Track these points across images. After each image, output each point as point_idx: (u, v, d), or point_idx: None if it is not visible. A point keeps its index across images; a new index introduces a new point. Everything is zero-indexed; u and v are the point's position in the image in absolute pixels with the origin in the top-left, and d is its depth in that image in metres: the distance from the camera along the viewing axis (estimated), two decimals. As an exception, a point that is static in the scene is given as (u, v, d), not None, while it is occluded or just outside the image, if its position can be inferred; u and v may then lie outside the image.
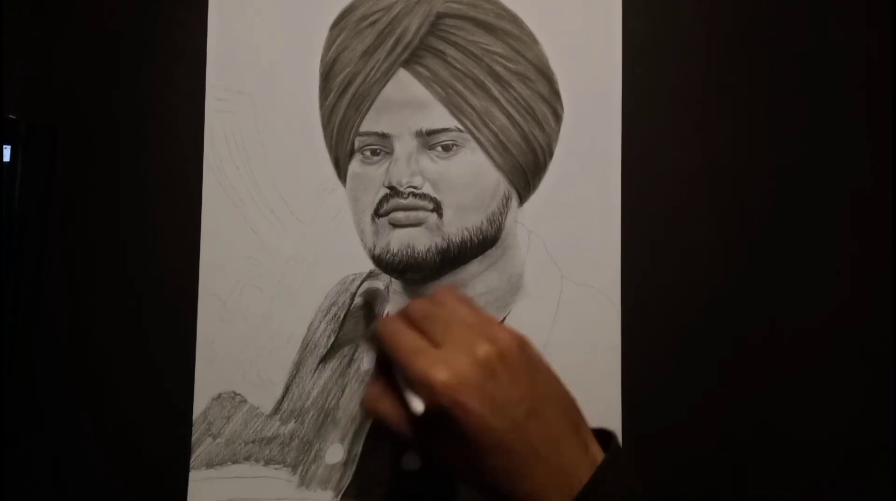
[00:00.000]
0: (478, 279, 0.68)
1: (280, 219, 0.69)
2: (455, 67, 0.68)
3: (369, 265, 0.69)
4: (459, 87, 0.68)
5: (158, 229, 0.69)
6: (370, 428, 0.68)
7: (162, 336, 0.68)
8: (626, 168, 0.68)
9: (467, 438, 0.48)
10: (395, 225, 0.68)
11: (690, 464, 0.67)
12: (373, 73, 0.68)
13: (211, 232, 0.69)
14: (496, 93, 0.68)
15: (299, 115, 0.69)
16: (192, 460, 0.67)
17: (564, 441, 0.50)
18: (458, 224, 0.67)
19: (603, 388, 0.67)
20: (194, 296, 0.68)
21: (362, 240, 0.69)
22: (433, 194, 0.67)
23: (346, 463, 0.67)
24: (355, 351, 0.69)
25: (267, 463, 0.67)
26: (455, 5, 0.68)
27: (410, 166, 0.67)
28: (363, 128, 0.68)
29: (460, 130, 0.67)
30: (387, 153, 0.68)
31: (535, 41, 0.69)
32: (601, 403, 0.67)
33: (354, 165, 0.69)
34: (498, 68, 0.68)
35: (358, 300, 0.69)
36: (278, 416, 0.68)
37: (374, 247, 0.68)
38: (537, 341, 0.67)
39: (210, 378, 0.68)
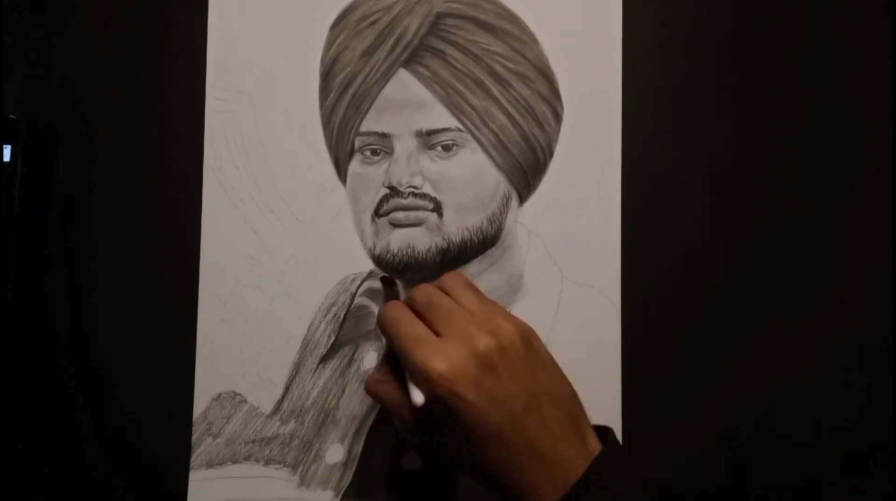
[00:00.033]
0: (478, 279, 0.68)
1: (280, 219, 0.69)
2: (455, 67, 0.68)
3: (369, 265, 0.69)
4: (459, 87, 0.68)
5: (158, 230, 0.69)
6: (370, 428, 0.68)
7: (162, 336, 0.68)
8: (626, 168, 0.68)
9: (464, 429, 0.48)
10: (395, 225, 0.68)
11: (690, 464, 0.67)
12: (373, 73, 0.68)
13: (211, 232, 0.69)
14: (496, 93, 0.68)
15: (299, 115, 0.69)
16: (192, 460, 0.67)
17: (562, 436, 0.50)
18: (458, 224, 0.67)
19: (603, 388, 0.67)
20: (194, 296, 0.68)
21: (362, 240, 0.69)
22: (433, 194, 0.67)
23: (346, 463, 0.67)
24: (355, 351, 0.69)
25: (267, 463, 0.67)
26: (455, 5, 0.68)
27: (410, 166, 0.67)
28: (363, 128, 0.68)
29: (460, 130, 0.67)
30: (387, 153, 0.68)
31: (535, 41, 0.69)
32: (601, 403, 0.67)
33: (354, 165, 0.69)
34: (498, 68, 0.68)
35: (359, 300, 0.69)
36: (278, 416, 0.68)
37: (374, 247, 0.68)
38: (537, 341, 0.68)
39: (210, 378, 0.68)
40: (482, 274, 0.69)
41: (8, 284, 0.67)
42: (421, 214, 0.67)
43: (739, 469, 0.67)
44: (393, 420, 0.54)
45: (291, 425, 0.68)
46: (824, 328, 0.68)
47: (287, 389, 0.68)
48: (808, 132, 0.69)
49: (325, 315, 0.69)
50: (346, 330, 0.69)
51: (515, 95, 0.68)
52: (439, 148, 0.67)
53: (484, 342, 0.49)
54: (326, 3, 0.70)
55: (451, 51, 0.68)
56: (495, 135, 0.68)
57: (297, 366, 0.68)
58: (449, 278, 0.57)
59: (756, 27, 0.69)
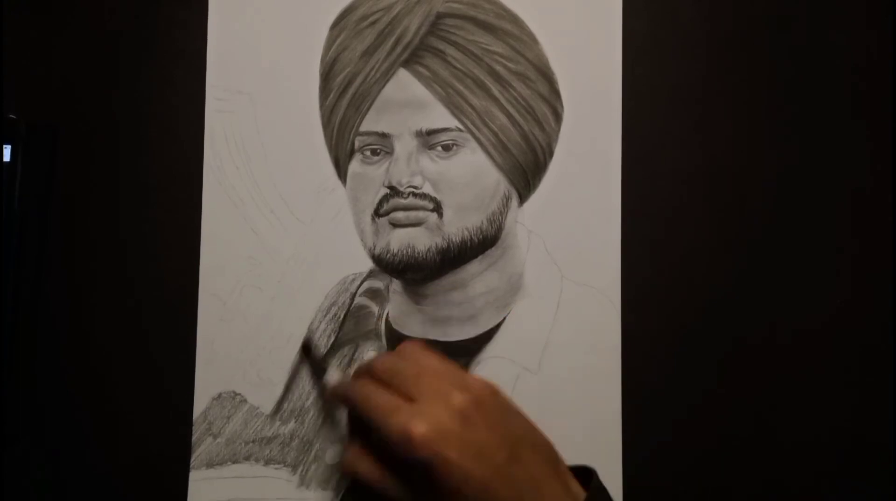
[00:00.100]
0: (478, 279, 0.68)
1: (280, 219, 0.69)
2: (455, 67, 0.68)
3: (369, 265, 0.69)
4: (459, 86, 0.68)
5: (158, 230, 0.69)
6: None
7: (162, 336, 0.68)
8: (626, 168, 0.68)
9: (450, 489, 0.47)
10: (395, 225, 0.68)
11: (690, 464, 0.67)
12: (373, 73, 0.68)
13: (211, 232, 0.69)
14: (496, 93, 0.68)
15: (299, 115, 0.69)
16: (192, 460, 0.67)
17: (546, 483, 0.50)
18: (459, 224, 0.67)
19: (603, 388, 0.67)
20: (194, 296, 0.68)
21: (362, 240, 0.69)
22: (433, 194, 0.67)
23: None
24: (355, 351, 0.69)
25: (267, 463, 0.67)
26: (455, 5, 0.68)
27: (410, 166, 0.67)
28: (363, 128, 0.68)
29: (460, 130, 0.67)
30: (387, 153, 0.68)
31: (535, 41, 0.69)
32: (601, 403, 0.67)
33: (354, 165, 0.69)
34: (498, 68, 0.68)
35: (359, 300, 0.69)
36: (278, 416, 0.68)
37: (374, 247, 0.68)
38: (537, 341, 0.68)
39: (210, 378, 0.68)
40: (482, 274, 0.69)
41: (8, 284, 0.67)
42: (421, 214, 0.67)
43: (739, 468, 0.67)
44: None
45: (291, 425, 0.68)
46: (824, 328, 0.67)
47: (287, 389, 0.68)
48: (808, 132, 0.69)
49: (325, 315, 0.69)
50: (346, 330, 0.69)
51: (515, 95, 0.68)
52: (439, 148, 0.67)
53: (458, 397, 0.49)
54: (326, 3, 0.70)
55: (451, 51, 0.68)
56: (495, 135, 0.68)
57: (297, 366, 0.68)
58: (407, 346, 0.57)
59: (756, 27, 0.69)
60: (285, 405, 0.68)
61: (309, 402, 0.68)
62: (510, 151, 0.68)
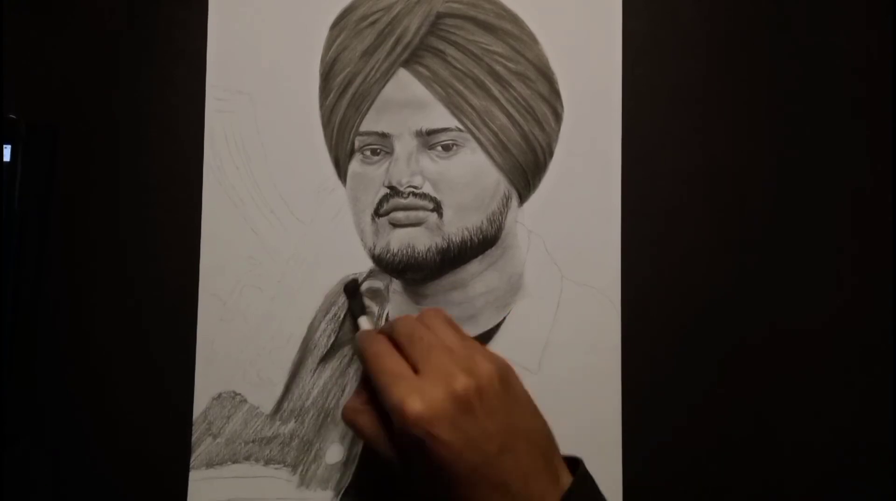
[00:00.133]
0: (478, 279, 0.68)
1: (280, 219, 0.69)
2: (455, 67, 0.68)
3: (369, 265, 0.69)
4: (459, 86, 0.68)
5: (158, 230, 0.69)
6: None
7: (162, 336, 0.68)
8: (626, 168, 0.68)
9: (439, 468, 0.48)
10: (395, 225, 0.68)
11: (690, 464, 0.67)
12: (373, 72, 0.68)
13: (211, 232, 0.69)
14: (496, 93, 0.68)
15: (299, 115, 0.69)
16: (192, 460, 0.67)
17: (535, 475, 0.50)
18: (459, 224, 0.67)
19: (603, 388, 0.67)
20: (194, 296, 0.68)
21: (362, 240, 0.69)
22: (433, 194, 0.67)
23: (346, 463, 0.67)
24: (355, 351, 0.69)
25: (267, 463, 0.67)
26: (455, 5, 0.68)
27: (410, 166, 0.67)
28: (363, 128, 0.68)
29: (460, 130, 0.67)
30: (387, 153, 0.68)
31: (535, 41, 0.69)
32: (601, 403, 0.67)
33: (354, 165, 0.69)
34: (498, 68, 0.68)
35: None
36: (278, 416, 0.68)
37: (374, 247, 0.68)
38: (537, 341, 0.68)
39: (210, 378, 0.68)
40: (482, 274, 0.69)
41: (8, 284, 0.67)
42: (421, 213, 0.67)
43: (739, 469, 0.67)
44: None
45: (291, 425, 0.68)
46: (824, 328, 0.67)
47: (287, 389, 0.68)
48: (808, 132, 0.69)
49: (325, 315, 0.69)
50: (346, 330, 0.69)
51: (515, 95, 0.68)
52: (439, 148, 0.67)
53: (462, 382, 0.49)
54: (326, 3, 0.70)
55: (451, 51, 0.68)
56: (495, 135, 0.68)
57: (297, 366, 0.68)
58: (430, 313, 0.57)
59: (756, 27, 0.69)
60: (285, 405, 0.68)
61: (309, 402, 0.68)
62: (510, 151, 0.68)
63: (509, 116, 0.68)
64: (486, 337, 0.68)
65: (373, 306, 0.69)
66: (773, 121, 0.69)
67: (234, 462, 0.68)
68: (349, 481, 0.67)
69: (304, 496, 0.67)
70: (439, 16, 0.68)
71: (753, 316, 0.68)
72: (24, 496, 0.68)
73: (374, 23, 0.69)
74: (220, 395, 0.68)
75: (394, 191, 0.67)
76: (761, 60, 0.69)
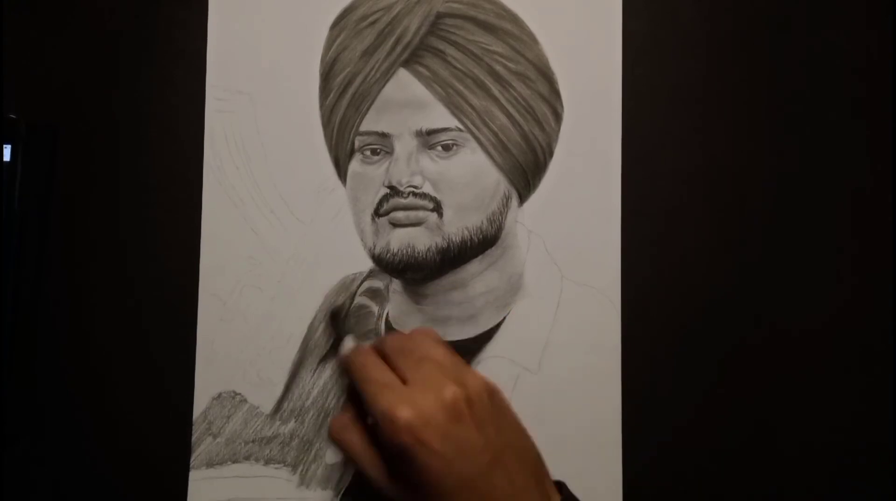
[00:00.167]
0: (478, 279, 0.68)
1: (280, 219, 0.69)
2: (455, 67, 0.68)
3: (369, 265, 0.69)
4: (459, 86, 0.68)
5: (158, 229, 0.69)
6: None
7: (162, 336, 0.68)
8: (626, 168, 0.68)
9: (428, 480, 0.47)
10: (395, 225, 0.68)
11: (690, 464, 0.67)
12: (373, 72, 0.68)
13: (211, 232, 0.69)
14: (496, 92, 0.68)
15: (299, 115, 0.69)
16: (192, 459, 0.67)
17: (525, 493, 0.49)
18: (459, 224, 0.67)
19: (603, 388, 0.67)
20: (194, 296, 0.68)
21: (362, 240, 0.69)
22: (433, 194, 0.67)
23: (346, 463, 0.67)
24: (355, 351, 0.69)
25: (267, 463, 0.68)
26: (455, 5, 0.68)
27: (410, 166, 0.67)
28: (363, 128, 0.68)
29: (460, 130, 0.67)
30: (387, 153, 0.68)
31: (535, 41, 0.69)
32: (601, 403, 0.67)
33: (354, 165, 0.69)
34: (498, 68, 0.68)
35: (359, 300, 0.69)
36: (278, 416, 0.68)
37: (374, 247, 0.68)
38: (537, 341, 0.68)
39: (210, 378, 0.68)
40: (482, 274, 0.69)
41: (8, 284, 0.67)
42: (421, 213, 0.67)
43: (739, 469, 0.67)
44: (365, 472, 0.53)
45: (291, 424, 0.68)
46: (824, 328, 0.67)
47: (287, 389, 0.68)
48: (808, 132, 0.69)
49: (326, 315, 0.69)
50: (346, 330, 0.69)
51: (515, 95, 0.68)
52: (439, 148, 0.67)
53: (451, 390, 0.48)
54: (326, 3, 0.70)
55: (451, 51, 0.68)
56: (495, 135, 0.68)
57: (297, 366, 0.68)
58: (420, 331, 0.57)
59: (756, 27, 0.69)
60: (285, 405, 0.68)
61: (309, 402, 0.68)
62: (510, 151, 0.68)
63: (509, 116, 0.68)
64: (486, 337, 0.68)
65: (373, 306, 0.69)
66: (773, 121, 0.69)
67: (234, 462, 0.68)
68: (349, 481, 0.67)
69: (304, 496, 0.67)
70: (439, 16, 0.68)
71: (753, 316, 0.68)
72: (24, 496, 0.68)
73: (374, 23, 0.69)
74: (220, 395, 0.68)
75: (394, 191, 0.67)
76: (761, 60, 0.69)
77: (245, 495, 0.67)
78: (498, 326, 0.68)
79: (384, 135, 0.68)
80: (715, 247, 0.68)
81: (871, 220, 0.68)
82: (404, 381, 0.51)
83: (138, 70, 0.70)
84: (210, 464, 0.67)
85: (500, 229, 0.69)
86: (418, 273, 0.68)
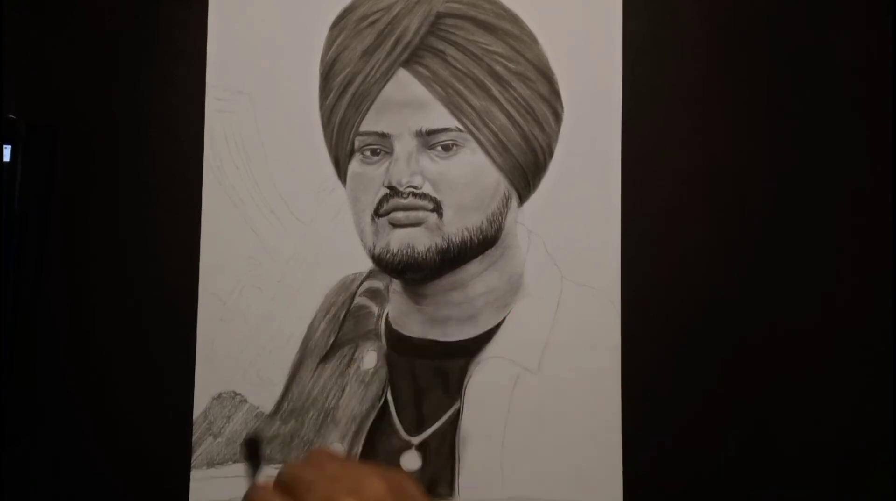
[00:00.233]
0: (478, 279, 0.68)
1: (280, 219, 0.69)
2: (455, 67, 0.68)
3: (369, 265, 0.69)
4: (459, 87, 0.68)
5: (158, 229, 0.69)
6: (370, 428, 0.68)
7: (162, 336, 0.68)
8: (626, 168, 0.68)
9: None
10: (395, 225, 0.68)
11: (690, 463, 0.67)
12: (373, 72, 0.68)
13: (211, 232, 0.69)
14: (496, 93, 0.68)
15: (299, 115, 0.69)
16: (192, 459, 0.67)
17: None
18: (459, 224, 0.67)
19: (603, 388, 0.67)
20: (194, 296, 0.68)
21: (362, 240, 0.69)
22: (433, 194, 0.67)
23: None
24: (355, 351, 0.69)
25: (267, 463, 0.67)
26: (455, 5, 0.68)
27: (410, 166, 0.67)
28: (363, 128, 0.68)
29: (460, 130, 0.67)
30: (387, 153, 0.68)
31: (535, 41, 0.69)
32: (601, 403, 0.67)
33: (354, 165, 0.69)
34: (498, 68, 0.68)
35: (359, 300, 0.69)
36: (278, 416, 0.68)
37: (374, 247, 0.68)
38: (537, 341, 0.68)
39: (210, 378, 0.68)
40: (482, 274, 0.69)
41: (8, 284, 0.67)
42: (421, 214, 0.67)
43: (739, 468, 0.67)
44: None
45: (291, 424, 0.68)
46: (824, 328, 0.67)
47: (287, 389, 0.68)
48: (808, 132, 0.69)
49: (325, 315, 0.69)
50: (345, 330, 0.69)
51: (515, 95, 0.68)
52: (439, 148, 0.67)
53: None
54: (326, 3, 0.70)
55: (451, 51, 0.68)
56: (495, 135, 0.68)
57: (297, 366, 0.68)
58: (315, 453, 0.56)
59: (756, 27, 0.69)
60: (285, 405, 0.68)
61: (309, 402, 0.68)
62: (510, 152, 0.68)
63: (509, 116, 0.68)
64: (486, 337, 0.68)
65: (373, 307, 0.69)
66: (773, 121, 0.69)
67: (234, 462, 0.68)
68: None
69: (304, 496, 0.67)
70: (439, 16, 0.68)
71: (753, 316, 0.68)
72: (24, 496, 0.68)
73: (374, 23, 0.69)
74: (220, 395, 0.68)
75: (394, 191, 0.67)
76: (761, 60, 0.69)
77: (245, 495, 0.67)
78: (498, 326, 0.68)
79: (384, 135, 0.68)
80: (715, 247, 0.68)
81: (871, 220, 0.68)
82: None
83: (138, 70, 0.70)
84: (211, 464, 0.67)
85: (500, 230, 0.68)
86: (418, 274, 0.68)
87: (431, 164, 0.67)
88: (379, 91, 0.68)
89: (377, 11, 0.69)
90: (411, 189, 0.67)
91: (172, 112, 0.70)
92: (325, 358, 0.68)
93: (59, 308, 0.69)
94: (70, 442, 0.68)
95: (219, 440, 0.68)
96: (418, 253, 0.67)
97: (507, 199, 0.68)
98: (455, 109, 0.67)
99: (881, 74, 0.69)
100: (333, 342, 0.68)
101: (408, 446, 0.67)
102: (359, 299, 0.69)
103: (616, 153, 0.69)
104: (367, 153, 0.68)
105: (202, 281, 0.68)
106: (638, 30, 0.69)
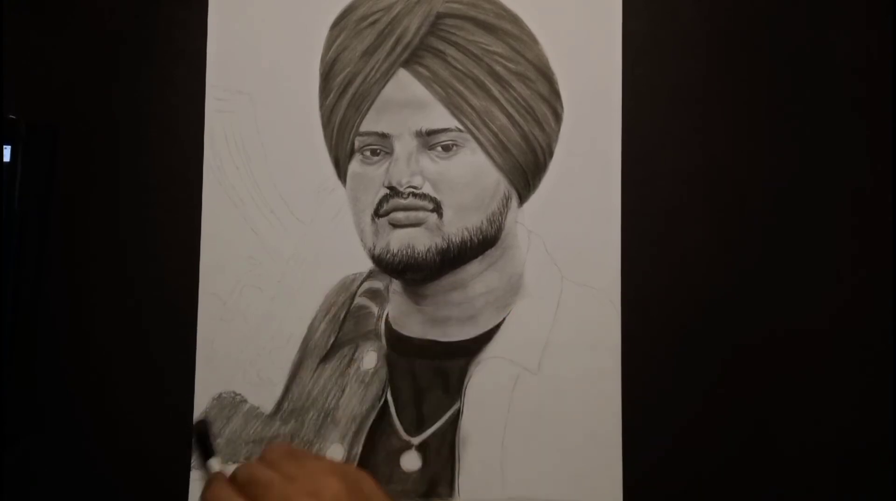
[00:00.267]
0: (478, 279, 0.68)
1: (280, 219, 0.69)
2: (455, 67, 0.68)
3: (369, 265, 0.69)
4: (459, 87, 0.68)
5: (158, 229, 0.69)
6: (370, 428, 0.68)
7: (162, 336, 0.68)
8: (626, 168, 0.68)
9: None
10: (395, 225, 0.68)
11: (690, 464, 0.67)
12: (373, 73, 0.68)
13: (211, 232, 0.69)
14: (496, 93, 0.68)
15: (299, 115, 0.69)
16: (192, 459, 0.67)
17: None
18: (459, 224, 0.67)
19: (603, 388, 0.67)
20: (194, 296, 0.68)
21: (362, 240, 0.69)
22: (433, 194, 0.67)
23: (346, 463, 0.67)
24: (355, 351, 0.69)
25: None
26: (455, 5, 0.68)
27: (410, 166, 0.67)
28: (363, 128, 0.68)
29: (460, 130, 0.67)
30: (387, 153, 0.68)
31: (535, 41, 0.69)
32: (601, 403, 0.67)
33: (354, 165, 0.69)
34: (498, 68, 0.68)
35: (359, 300, 0.69)
36: (278, 416, 0.68)
37: (374, 247, 0.68)
38: (537, 341, 0.68)
39: (210, 378, 0.68)
40: (482, 274, 0.69)
41: (8, 284, 0.67)
42: (421, 214, 0.67)
43: (739, 468, 0.67)
44: None
45: (291, 425, 0.68)
46: (824, 328, 0.67)
47: (287, 389, 0.68)
48: (808, 132, 0.69)
49: (325, 315, 0.69)
50: (345, 330, 0.69)
51: (515, 95, 0.68)
52: (439, 148, 0.67)
53: None
54: (326, 3, 0.70)
55: (451, 51, 0.68)
56: (495, 135, 0.68)
57: (297, 366, 0.68)
58: (270, 450, 0.55)
59: (756, 27, 0.69)
60: (285, 405, 0.68)
61: (309, 402, 0.68)
62: (510, 152, 0.68)
63: (509, 116, 0.68)
64: (486, 337, 0.68)
65: (373, 307, 0.69)
66: (773, 121, 0.69)
67: (234, 462, 0.68)
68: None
69: (304, 496, 0.67)
70: (439, 16, 0.68)
71: (753, 316, 0.68)
72: (24, 496, 0.68)
73: (374, 23, 0.69)
74: (220, 395, 0.68)
75: (394, 191, 0.67)
76: (761, 60, 0.69)
77: (245, 495, 0.67)
78: (498, 326, 0.68)
79: (384, 135, 0.68)
80: (715, 247, 0.68)
81: (871, 220, 0.68)
82: None
83: (138, 70, 0.70)
84: (210, 464, 0.67)
85: (500, 230, 0.68)
86: (418, 274, 0.68)
87: (431, 164, 0.67)
88: (379, 91, 0.68)
89: (377, 11, 0.69)
90: (411, 189, 0.67)
91: (172, 112, 0.70)
92: (325, 358, 0.68)
93: (59, 308, 0.69)
94: (70, 442, 0.68)
95: (218, 440, 0.68)
96: (418, 253, 0.67)
97: (507, 199, 0.68)
98: (455, 110, 0.67)
99: (881, 74, 0.69)
100: (333, 342, 0.68)
101: (408, 446, 0.67)
102: (359, 300, 0.69)
103: (616, 153, 0.69)
104: (367, 153, 0.68)
105: (202, 281, 0.68)
106: (638, 30, 0.69)
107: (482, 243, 0.68)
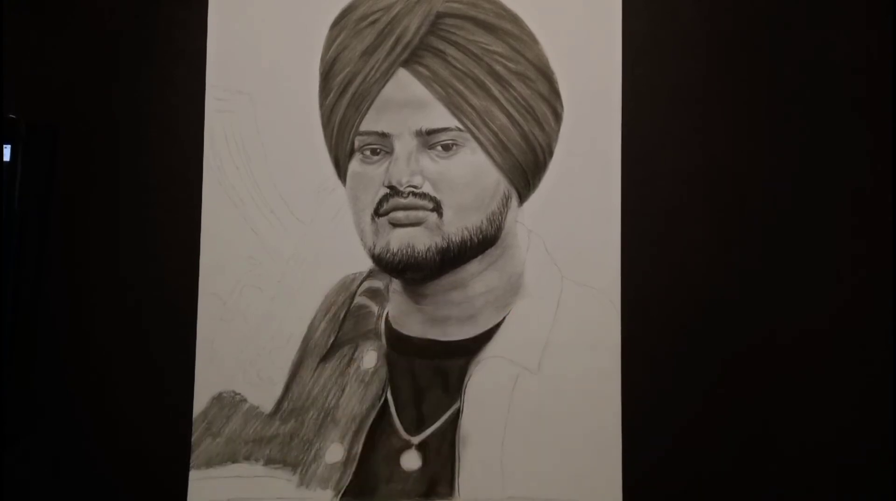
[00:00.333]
0: (477, 279, 0.68)
1: (280, 219, 0.69)
2: (455, 67, 0.68)
3: (369, 265, 0.69)
4: (459, 86, 0.68)
5: (158, 229, 0.69)
6: (370, 428, 0.68)
7: (162, 336, 0.68)
8: (626, 168, 0.68)
9: None
10: (395, 225, 0.68)
11: (690, 464, 0.67)
12: (373, 72, 0.68)
13: (211, 232, 0.69)
14: (496, 92, 0.68)
15: (299, 115, 0.69)
16: (192, 459, 0.67)
17: None
18: (458, 224, 0.67)
19: (603, 388, 0.67)
20: (194, 296, 0.68)
21: (362, 240, 0.69)
22: (433, 194, 0.67)
23: (345, 463, 0.67)
24: (355, 351, 0.69)
25: (267, 463, 0.68)
26: (455, 5, 0.68)
27: (410, 166, 0.67)
28: (363, 127, 0.68)
29: (460, 130, 0.67)
30: (387, 153, 0.68)
31: (535, 41, 0.69)
32: (601, 403, 0.67)
33: (354, 165, 0.69)
34: (498, 68, 0.68)
35: (359, 300, 0.69)
36: (278, 416, 0.68)
37: (374, 246, 0.68)
38: (537, 341, 0.68)
39: (210, 378, 0.68)
40: (482, 274, 0.69)
41: (8, 284, 0.67)
42: (421, 213, 0.67)
43: (739, 468, 0.67)
44: None
45: (291, 424, 0.68)
46: (824, 328, 0.67)
47: (287, 389, 0.68)
48: (808, 132, 0.69)
49: (325, 315, 0.69)
50: (345, 330, 0.69)
51: (515, 94, 0.68)
52: (439, 148, 0.67)
53: None
54: (326, 3, 0.70)
55: (451, 51, 0.68)
56: (495, 135, 0.68)
57: (297, 366, 0.68)
58: None
59: (756, 27, 0.69)
60: (285, 405, 0.68)
61: (309, 402, 0.68)
62: (510, 151, 0.68)
63: (509, 116, 0.68)
64: (485, 337, 0.68)
65: (373, 306, 0.69)
66: (773, 121, 0.69)
67: (233, 462, 0.68)
68: (349, 481, 0.67)
69: (304, 496, 0.67)
70: (439, 16, 0.68)
71: (754, 316, 0.68)
72: (24, 496, 0.68)
73: (373, 22, 0.69)
74: (220, 395, 0.68)
75: (394, 191, 0.67)
76: (761, 60, 0.69)
77: (245, 495, 0.67)
78: (498, 326, 0.68)
79: (384, 135, 0.68)
80: (715, 247, 0.68)
81: (871, 220, 0.68)
82: None
83: (138, 70, 0.70)
84: (210, 464, 0.67)
85: (499, 229, 0.68)
86: (418, 273, 0.68)
87: (431, 163, 0.67)
88: (379, 91, 0.68)
89: (377, 11, 0.69)
90: (411, 189, 0.67)
91: (172, 112, 0.70)
92: (325, 358, 0.68)
93: (59, 308, 0.69)
94: (70, 442, 0.68)
95: (218, 440, 0.68)
96: (418, 253, 0.67)
97: (507, 198, 0.68)
98: (455, 109, 0.67)
99: (881, 74, 0.69)
100: (333, 341, 0.68)
101: (408, 445, 0.67)
102: (359, 299, 0.69)
103: (616, 153, 0.69)
104: (367, 153, 0.68)
105: (202, 281, 0.69)
106: (638, 30, 0.69)
107: (482, 243, 0.68)
